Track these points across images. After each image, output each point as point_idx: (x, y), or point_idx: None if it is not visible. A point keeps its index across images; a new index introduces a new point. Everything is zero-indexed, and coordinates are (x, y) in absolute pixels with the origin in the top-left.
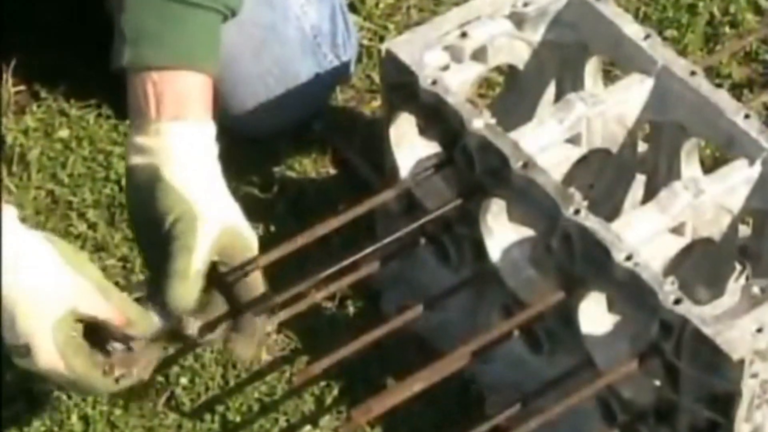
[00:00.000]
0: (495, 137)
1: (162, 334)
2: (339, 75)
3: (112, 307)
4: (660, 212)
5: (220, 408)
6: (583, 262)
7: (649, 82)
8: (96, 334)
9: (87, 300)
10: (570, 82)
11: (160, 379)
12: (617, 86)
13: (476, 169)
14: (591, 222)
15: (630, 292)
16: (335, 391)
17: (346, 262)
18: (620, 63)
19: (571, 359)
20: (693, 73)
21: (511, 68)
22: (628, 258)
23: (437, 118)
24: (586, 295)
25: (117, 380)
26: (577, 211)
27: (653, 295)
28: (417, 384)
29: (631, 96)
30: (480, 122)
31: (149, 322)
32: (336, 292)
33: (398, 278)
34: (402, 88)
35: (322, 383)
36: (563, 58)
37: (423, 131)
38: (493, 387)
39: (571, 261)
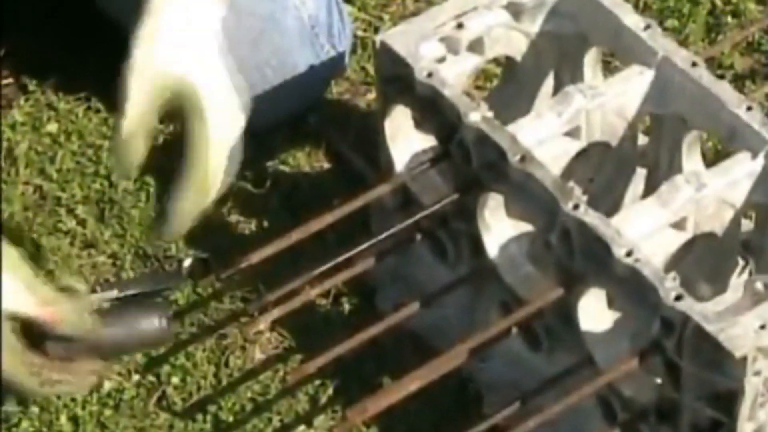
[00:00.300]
0: (492, 130)
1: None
2: (335, 66)
3: (41, 304)
4: (661, 207)
5: (213, 408)
6: (582, 258)
7: (649, 74)
8: (39, 335)
9: (13, 298)
10: (569, 73)
11: (152, 378)
12: (617, 78)
13: (473, 163)
14: (590, 217)
15: (630, 288)
16: (330, 390)
17: (340, 259)
18: (620, 54)
19: (571, 357)
20: (694, 65)
21: (509, 60)
22: (629, 254)
23: (433, 111)
24: (585, 292)
25: (45, 384)
26: (576, 206)
27: (654, 292)
28: (413, 383)
29: (631, 88)
30: (477, 115)
31: (82, 321)
32: (330, 289)
33: (394, 275)
34: (397, 80)
35: (317, 382)
36: (562, 50)
37: (419, 124)
38: (492, 386)
39: (570, 257)
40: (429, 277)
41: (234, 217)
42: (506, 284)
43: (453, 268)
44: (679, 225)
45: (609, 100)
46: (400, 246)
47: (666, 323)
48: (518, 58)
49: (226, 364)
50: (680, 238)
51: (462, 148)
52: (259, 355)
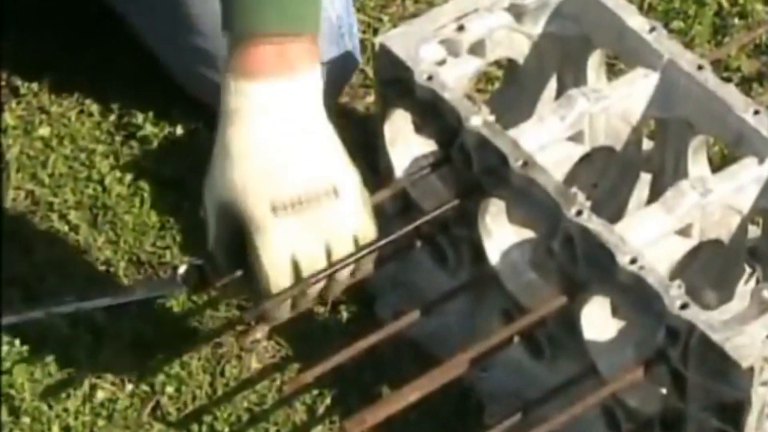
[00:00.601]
0: (493, 135)
1: None
2: (353, 68)
3: None
4: (666, 213)
5: (208, 418)
6: (585, 265)
7: (654, 77)
8: None
9: None
10: (572, 76)
11: (146, 388)
12: (621, 81)
13: (474, 168)
14: (594, 223)
15: (635, 296)
16: (328, 400)
17: (339, 266)
18: (624, 57)
19: (574, 366)
20: (700, 67)
21: (511, 62)
22: (633, 261)
23: (433, 114)
24: (589, 300)
25: None
26: (579, 212)
27: (659, 300)
28: (413, 393)
29: (635, 91)
30: (478, 119)
31: None
32: None
33: (394, 282)
34: (397, 83)
35: (315, 392)
36: (565, 52)
37: (419, 128)
38: (493, 395)
39: (573, 264)
40: (429, 284)
41: None
42: (508, 292)
43: (454, 275)
44: (684, 231)
45: (613, 104)
46: (399, 252)
47: (671, 332)
48: (520, 60)
49: (222, 374)
50: (686, 244)
51: (463, 152)
52: (255, 365)
